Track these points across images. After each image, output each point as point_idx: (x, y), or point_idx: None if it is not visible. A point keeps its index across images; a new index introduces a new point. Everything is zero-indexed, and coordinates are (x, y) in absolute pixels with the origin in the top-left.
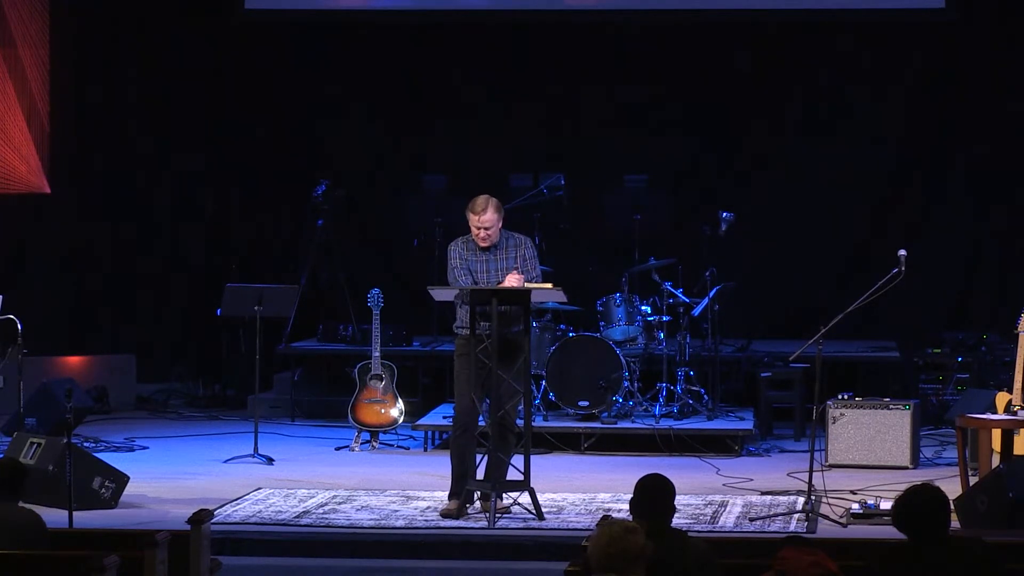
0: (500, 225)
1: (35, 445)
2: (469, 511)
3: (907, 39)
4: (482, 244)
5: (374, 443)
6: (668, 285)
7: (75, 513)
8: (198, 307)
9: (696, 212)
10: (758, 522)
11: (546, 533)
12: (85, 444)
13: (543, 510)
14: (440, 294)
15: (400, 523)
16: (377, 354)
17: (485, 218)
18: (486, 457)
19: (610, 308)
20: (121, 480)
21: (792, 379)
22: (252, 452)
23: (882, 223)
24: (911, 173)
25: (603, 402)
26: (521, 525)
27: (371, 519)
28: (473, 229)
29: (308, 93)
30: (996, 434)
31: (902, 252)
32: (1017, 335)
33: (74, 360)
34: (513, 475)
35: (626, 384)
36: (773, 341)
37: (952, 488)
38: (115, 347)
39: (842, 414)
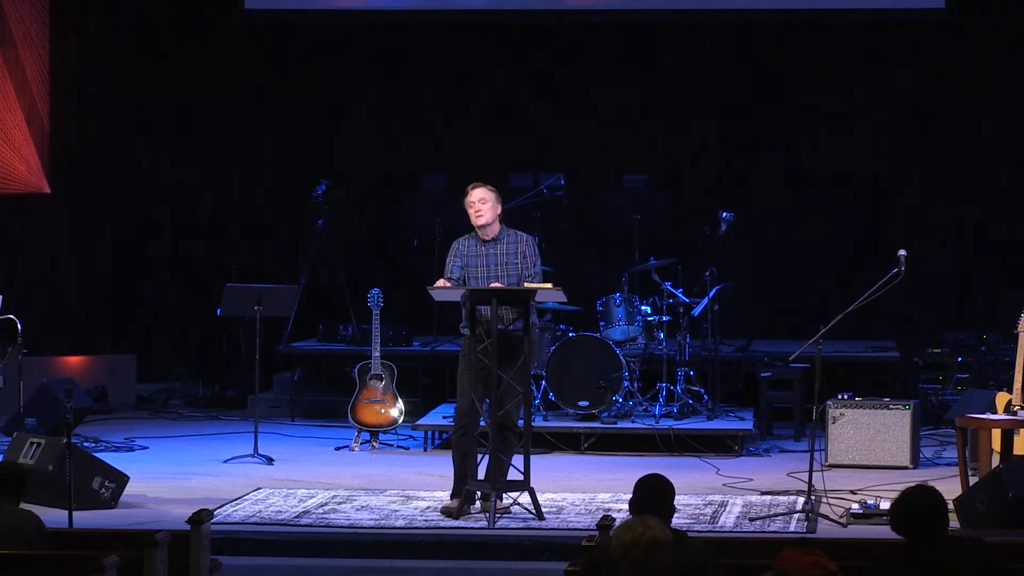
0: (498, 210)
1: (35, 445)
2: (470, 511)
3: (908, 36)
4: (478, 223)
5: (374, 443)
6: (668, 285)
7: (75, 513)
8: (198, 307)
9: (696, 212)
10: (758, 522)
11: (546, 533)
12: (85, 444)
13: (543, 510)
14: (441, 295)
15: (400, 523)
16: (377, 354)
17: (477, 192)
18: (486, 457)
19: (610, 308)
20: (121, 480)
21: (792, 379)
22: (252, 452)
23: (882, 223)
24: (911, 172)
25: (603, 402)
26: (521, 525)
27: (371, 519)
28: (470, 213)
29: (308, 93)
30: (996, 434)
31: (902, 252)
32: (1017, 335)
33: (74, 360)
34: (513, 475)
35: (626, 384)
36: (773, 341)
37: (952, 488)
38: (115, 347)
39: (842, 414)
